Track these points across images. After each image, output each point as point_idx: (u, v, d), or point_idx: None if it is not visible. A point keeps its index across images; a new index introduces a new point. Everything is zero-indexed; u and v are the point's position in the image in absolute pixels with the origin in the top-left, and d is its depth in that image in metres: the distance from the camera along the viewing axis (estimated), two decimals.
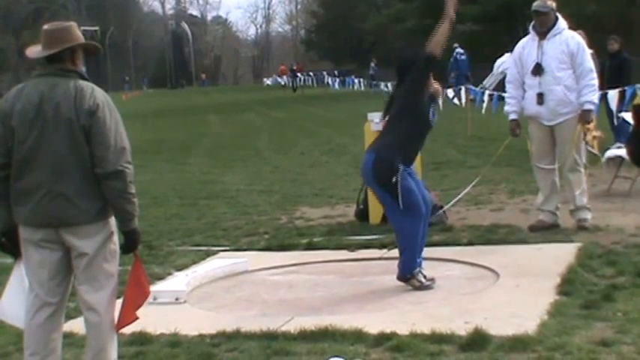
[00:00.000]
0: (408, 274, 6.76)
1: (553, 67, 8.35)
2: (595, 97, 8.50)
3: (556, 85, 8.35)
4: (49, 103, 4.45)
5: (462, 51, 33.70)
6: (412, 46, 7.29)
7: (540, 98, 8.41)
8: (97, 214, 4.51)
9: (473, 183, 9.71)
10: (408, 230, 6.76)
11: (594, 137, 13.44)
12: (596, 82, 8.43)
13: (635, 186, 10.40)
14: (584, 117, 8.42)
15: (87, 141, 4.44)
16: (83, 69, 4.72)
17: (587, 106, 8.38)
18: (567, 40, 8.38)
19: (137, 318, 4.77)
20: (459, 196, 9.51)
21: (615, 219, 8.79)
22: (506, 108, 8.80)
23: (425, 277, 6.81)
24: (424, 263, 6.95)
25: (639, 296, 5.98)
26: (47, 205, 4.46)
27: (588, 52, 8.48)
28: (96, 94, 4.51)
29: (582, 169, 8.65)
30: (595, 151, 12.65)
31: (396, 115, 6.88)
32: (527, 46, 8.58)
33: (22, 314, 4.70)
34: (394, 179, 6.61)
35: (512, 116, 8.74)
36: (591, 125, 11.36)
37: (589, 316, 5.60)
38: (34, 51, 4.62)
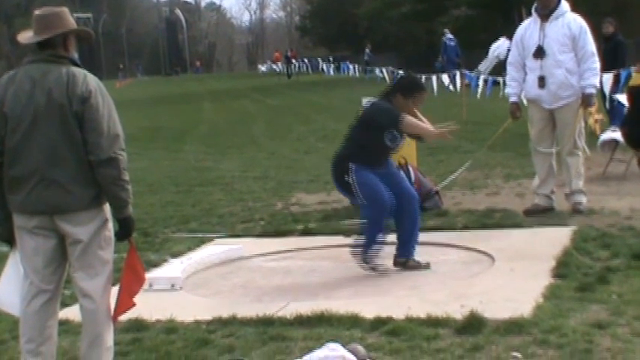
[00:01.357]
0: (368, 260, 6.86)
1: (555, 50, 8.31)
2: (597, 80, 8.47)
3: (557, 69, 8.32)
4: (41, 90, 4.42)
5: (451, 37, 33.70)
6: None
7: (541, 81, 8.38)
8: (92, 201, 4.50)
9: (467, 164, 9.72)
10: (370, 218, 6.87)
11: (596, 121, 13.43)
12: (598, 65, 8.38)
13: (630, 169, 10.41)
14: (585, 101, 8.40)
15: (80, 128, 4.42)
16: (75, 55, 4.69)
17: (589, 90, 8.35)
18: (570, 23, 8.33)
19: (134, 305, 4.77)
20: (452, 177, 9.52)
21: (610, 202, 8.80)
22: (507, 90, 8.78)
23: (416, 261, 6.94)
24: (418, 248, 6.98)
25: (634, 278, 6.00)
26: (41, 193, 4.45)
27: (590, 34, 8.44)
28: (88, 80, 4.48)
29: (580, 153, 8.64)
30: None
31: (357, 126, 6.99)
32: (529, 28, 8.53)
33: (17, 302, 4.69)
34: (346, 178, 6.83)
35: (513, 99, 8.72)
36: (593, 109, 11.35)
37: (584, 298, 5.62)
38: (26, 36, 4.58)
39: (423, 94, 7.03)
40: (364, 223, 6.94)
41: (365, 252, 6.87)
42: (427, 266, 6.91)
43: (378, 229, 6.84)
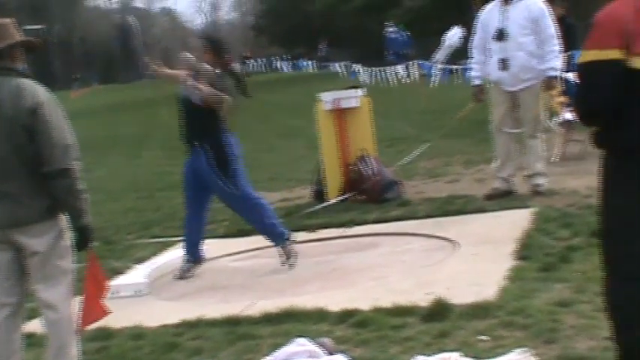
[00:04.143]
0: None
1: (516, 33, 8.36)
2: (558, 63, 8.54)
3: (519, 51, 8.37)
4: None
5: (392, 29, 33.91)
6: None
7: (503, 64, 8.43)
8: (46, 212, 4.46)
9: (428, 145, 9.74)
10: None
11: (559, 103, 13.49)
12: (558, 47, 8.46)
13: (586, 148, 10.49)
14: (548, 84, 8.47)
15: (30, 140, 4.37)
16: (24, 67, 4.64)
17: (551, 73, 8.42)
18: (530, 6, 8.38)
19: (107, 313, 4.75)
20: (416, 152, 9.52)
21: (569, 182, 8.89)
22: (471, 73, 8.82)
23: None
24: (377, 239, 7.02)
25: (595, 255, 5.98)
26: None
27: (551, 17, 8.50)
28: (37, 91, 4.44)
29: (541, 136, 8.71)
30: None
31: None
32: (491, 11, 8.59)
33: None
34: None
35: (476, 82, 8.79)
36: (555, 91, 11.44)
37: (547, 278, 5.67)
38: None
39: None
40: None
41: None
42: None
43: (185, 230, 7.33)
